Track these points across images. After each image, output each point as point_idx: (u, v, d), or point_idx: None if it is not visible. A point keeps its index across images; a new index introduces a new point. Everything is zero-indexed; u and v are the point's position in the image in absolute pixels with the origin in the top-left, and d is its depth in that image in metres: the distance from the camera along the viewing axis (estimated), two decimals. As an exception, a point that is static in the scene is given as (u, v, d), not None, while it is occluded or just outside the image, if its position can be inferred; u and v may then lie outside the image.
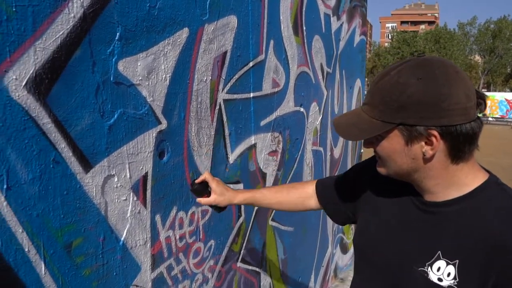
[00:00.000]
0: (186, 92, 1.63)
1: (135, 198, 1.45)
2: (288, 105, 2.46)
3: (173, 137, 1.59)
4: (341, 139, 3.54)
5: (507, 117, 26.10)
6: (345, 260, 4.01)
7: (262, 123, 2.20)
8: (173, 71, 1.54)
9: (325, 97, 3.07)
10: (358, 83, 3.97)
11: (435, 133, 0.87)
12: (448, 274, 0.90)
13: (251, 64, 2.03)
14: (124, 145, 1.38)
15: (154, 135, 1.49)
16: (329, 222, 3.42)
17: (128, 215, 1.43)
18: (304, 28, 2.59)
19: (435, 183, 0.94)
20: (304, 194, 1.40)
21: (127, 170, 1.40)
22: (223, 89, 1.85)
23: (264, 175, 2.29)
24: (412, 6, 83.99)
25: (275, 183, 2.41)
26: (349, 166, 3.88)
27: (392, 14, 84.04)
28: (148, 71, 1.43)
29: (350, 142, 3.78)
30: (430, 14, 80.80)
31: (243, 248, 2.16)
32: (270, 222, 2.44)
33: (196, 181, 1.41)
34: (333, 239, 3.56)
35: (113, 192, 1.36)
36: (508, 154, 11.63)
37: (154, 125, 1.49)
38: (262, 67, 2.14)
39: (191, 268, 1.78)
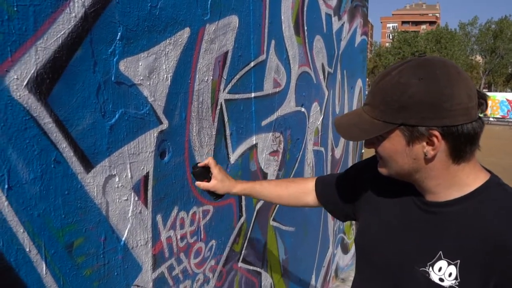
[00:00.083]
0: (188, 92, 1.63)
1: (136, 198, 1.44)
2: (289, 105, 2.46)
3: (174, 137, 1.59)
4: (342, 139, 3.53)
5: (508, 117, 26.06)
6: (346, 260, 4.00)
7: (263, 123, 2.20)
8: (174, 71, 1.54)
9: (326, 97, 3.07)
10: (359, 83, 3.97)
11: (437, 133, 0.87)
12: (450, 274, 0.90)
13: (252, 64, 2.03)
14: (125, 145, 1.38)
15: (155, 135, 1.49)
16: (330, 222, 3.41)
17: (129, 215, 1.43)
18: (305, 28, 2.59)
19: (437, 183, 0.94)
20: (303, 189, 1.40)
21: (128, 170, 1.40)
22: (224, 89, 1.85)
23: (265, 175, 2.29)
24: (413, 6, 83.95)
25: (276, 183, 2.41)
26: (350, 166, 3.87)
27: (393, 14, 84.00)
28: (149, 71, 1.43)
29: (351, 142, 3.77)
30: (431, 14, 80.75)
31: (244, 248, 2.16)
32: (271, 222, 2.44)
33: (199, 164, 1.40)
34: (334, 239, 3.56)
35: (114, 192, 1.36)
36: (509, 155, 11.61)
37: (155, 125, 1.48)
38: (263, 67, 2.14)
39: (192, 268, 1.78)
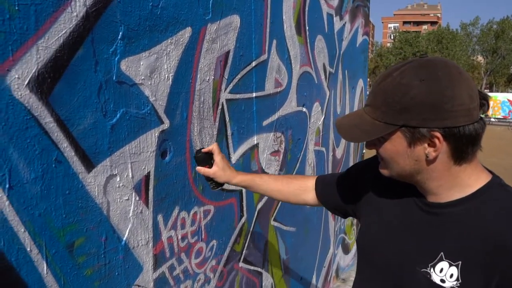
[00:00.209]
0: (189, 92, 1.62)
1: (137, 198, 1.44)
2: (290, 105, 2.46)
3: (176, 137, 1.58)
4: (343, 140, 3.53)
5: (509, 117, 26.02)
6: (346, 261, 4.00)
7: (265, 123, 2.20)
8: (176, 71, 1.54)
9: (327, 97, 3.07)
10: (360, 83, 3.97)
11: (438, 134, 0.87)
12: (451, 275, 0.89)
13: (253, 63, 2.03)
14: (127, 144, 1.37)
15: (156, 134, 1.49)
16: (331, 222, 3.41)
17: (130, 215, 1.42)
18: (307, 28, 2.58)
19: (438, 185, 0.94)
20: (303, 187, 1.39)
21: (129, 170, 1.40)
22: (225, 89, 1.85)
23: (266, 175, 2.29)
24: (415, 6, 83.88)
25: (277, 183, 2.40)
26: (351, 166, 3.86)
27: (394, 14, 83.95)
28: (150, 70, 1.43)
29: (352, 143, 3.77)
30: (432, 15, 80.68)
31: (245, 248, 2.16)
32: (272, 222, 2.43)
33: (203, 150, 1.40)
34: (335, 239, 3.56)
35: (115, 192, 1.36)
36: (510, 155, 11.60)
37: (156, 124, 1.48)
38: (264, 67, 2.14)
39: (193, 268, 1.77)
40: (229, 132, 1.91)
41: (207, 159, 1.40)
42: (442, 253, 0.91)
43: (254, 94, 2.07)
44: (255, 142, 2.14)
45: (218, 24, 1.75)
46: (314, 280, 3.15)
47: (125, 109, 1.35)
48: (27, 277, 1.11)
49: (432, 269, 0.92)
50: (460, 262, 0.89)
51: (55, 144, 1.15)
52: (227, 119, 1.88)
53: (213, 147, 1.40)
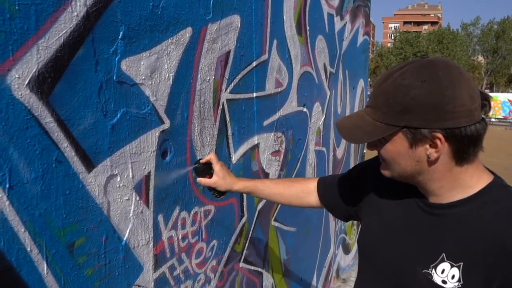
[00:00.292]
0: (189, 92, 1.62)
1: (137, 198, 1.44)
2: (291, 105, 2.46)
3: (176, 137, 1.58)
4: (344, 140, 3.52)
5: (510, 118, 26.00)
6: (347, 261, 4.00)
7: (265, 123, 2.20)
8: (176, 71, 1.54)
9: (328, 97, 3.07)
10: (361, 83, 3.97)
11: (440, 135, 0.86)
12: (453, 277, 0.89)
13: (254, 63, 2.03)
14: (127, 144, 1.37)
15: (157, 134, 1.49)
16: (332, 222, 3.41)
17: (131, 215, 1.42)
18: (308, 28, 2.58)
19: (440, 185, 0.93)
20: (305, 190, 1.39)
21: (130, 170, 1.40)
22: (226, 89, 1.84)
23: (267, 175, 2.29)
24: (415, 7, 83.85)
25: (278, 183, 2.40)
26: (351, 166, 3.86)
27: (395, 15, 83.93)
28: (151, 70, 1.43)
29: (352, 143, 3.77)
30: (433, 15, 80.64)
31: (246, 248, 2.16)
32: (273, 223, 2.43)
33: (201, 160, 1.39)
34: (335, 239, 3.55)
35: (115, 192, 1.35)
36: (510, 155, 11.59)
37: (157, 124, 1.48)
38: (265, 67, 2.13)
39: (194, 268, 1.77)
40: (229, 132, 1.91)
41: (206, 169, 1.40)
42: (443, 254, 0.91)
43: (254, 94, 2.07)
44: (256, 142, 2.14)
45: (219, 24, 1.74)
46: (314, 280, 3.15)
47: (126, 109, 1.35)
48: (27, 277, 1.11)
49: (433, 270, 0.92)
50: (462, 263, 0.88)
51: (55, 144, 1.15)
52: (228, 119, 1.88)
53: (211, 156, 1.40)
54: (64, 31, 1.13)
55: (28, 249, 1.11)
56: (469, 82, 0.87)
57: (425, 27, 75.34)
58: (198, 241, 1.78)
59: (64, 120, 1.16)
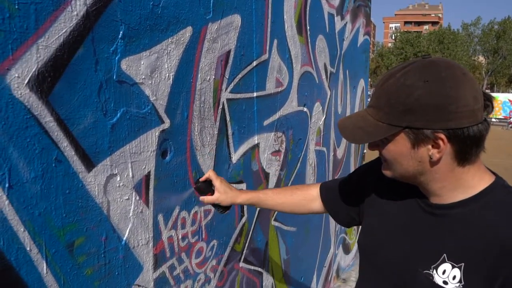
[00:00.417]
0: (189, 91, 1.62)
1: (137, 198, 1.44)
2: (291, 105, 2.45)
3: (176, 137, 1.58)
4: (344, 140, 3.52)
5: (510, 118, 26.00)
6: (347, 261, 4.00)
7: (265, 122, 2.19)
8: (177, 70, 1.54)
9: (328, 97, 3.06)
10: (361, 83, 3.96)
11: (442, 136, 0.86)
12: (454, 277, 0.89)
13: (254, 63, 2.02)
14: (127, 144, 1.37)
15: (157, 134, 1.48)
16: (332, 222, 3.41)
17: (131, 214, 1.42)
18: (308, 27, 2.58)
19: (441, 186, 0.93)
20: (308, 197, 1.39)
21: (130, 169, 1.39)
22: (226, 89, 1.84)
23: (267, 175, 2.28)
24: (416, 7, 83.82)
25: (278, 183, 2.40)
26: (352, 166, 3.86)
27: (395, 15, 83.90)
28: (151, 69, 1.42)
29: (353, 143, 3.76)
30: (433, 15, 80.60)
31: (246, 248, 2.15)
32: (273, 222, 2.43)
33: (200, 179, 1.40)
34: (335, 239, 3.55)
35: (115, 191, 1.35)
36: (510, 155, 11.58)
37: (157, 124, 1.48)
38: (265, 66, 2.13)
39: (194, 268, 1.77)
40: (229, 131, 1.91)
41: (208, 187, 1.41)
42: (445, 254, 0.91)
43: (255, 94, 2.06)
44: (256, 142, 2.13)
45: (219, 24, 1.74)
46: (314, 280, 3.14)
47: (126, 109, 1.35)
48: (26, 277, 1.11)
49: (434, 271, 0.92)
50: (463, 264, 0.88)
51: (55, 143, 1.14)
52: (228, 118, 1.88)
53: (209, 174, 1.41)
54: (64, 30, 1.13)
55: (28, 249, 1.10)
56: (472, 82, 0.87)
57: (426, 27, 75.30)
58: (198, 240, 1.78)
59: (64, 119, 1.16)
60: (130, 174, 1.40)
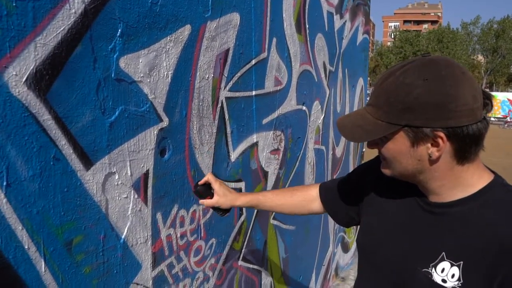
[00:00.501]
0: (188, 90, 1.62)
1: (136, 196, 1.44)
2: (290, 104, 2.45)
3: (175, 135, 1.58)
4: (343, 138, 3.52)
5: (509, 117, 26.03)
6: (346, 259, 4.00)
7: (264, 121, 2.19)
8: (175, 68, 1.53)
9: (327, 95, 3.06)
10: (360, 82, 3.96)
11: (442, 134, 0.86)
12: (453, 276, 0.89)
13: (253, 62, 2.02)
14: (125, 142, 1.37)
15: (155, 132, 1.48)
16: (331, 221, 3.41)
17: (129, 213, 1.42)
18: (307, 26, 2.57)
19: (440, 184, 0.93)
20: (307, 197, 1.39)
21: (128, 168, 1.39)
22: (225, 87, 1.84)
23: (265, 174, 2.28)
24: (415, 6, 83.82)
25: (277, 181, 2.40)
26: (351, 165, 3.87)
27: (395, 13, 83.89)
28: (149, 68, 1.42)
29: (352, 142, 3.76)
30: (433, 14, 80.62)
31: (244, 246, 2.15)
32: (272, 221, 2.43)
33: (199, 182, 1.40)
34: (334, 238, 3.55)
35: (114, 190, 1.35)
36: (509, 154, 11.60)
37: (155, 122, 1.48)
38: (264, 65, 2.13)
39: (192, 266, 1.77)
40: (228, 130, 1.90)
41: (207, 190, 1.40)
42: (443, 253, 0.91)
43: (253, 92, 2.06)
44: (255, 141, 2.13)
45: (218, 22, 1.74)
46: (313, 279, 3.15)
47: (124, 107, 1.35)
48: (25, 275, 1.11)
49: (433, 269, 0.91)
50: (462, 262, 0.88)
51: (53, 141, 1.14)
52: (227, 117, 1.88)
53: (208, 177, 1.40)
54: (62, 28, 1.12)
55: (26, 247, 1.10)
56: (471, 81, 0.87)
57: (425, 26, 75.33)
58: (197, 239, 1.78)
59: (62, 117, 1.16)
60: (129, 172, 1.40)
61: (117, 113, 1.32)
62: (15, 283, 1.09)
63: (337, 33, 3.14)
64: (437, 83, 0.85)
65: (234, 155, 1.97)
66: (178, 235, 1.66)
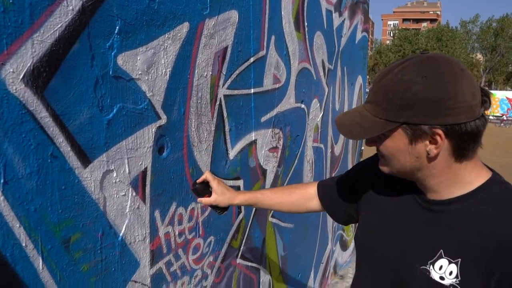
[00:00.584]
0: (186, 87, 1.61)
1: (134, 194, 1.43)
2: (289, 102, 2.45)
3: (173, 133, 1.57)
4: (342, 136, 3.52)
5: (507, 115, 26.08)
6: (344, 257, 4.01)
7: (263, 119, 2.19)
8: (173, 66, 1.53)
9: (326, 93, 3.06)
10: (359, 80, 3.96)
11: (440, 132, 0.86)
12: (450, 273, 0.89)
13: (252, 59, 2.02)
14: (123, 140, 1.36)
15: (153, 130, 1.48)
16: (329, 219, 3.41)
17: (127, 210, 1.42)
18: (306, 24, 2.57)
19: (439, 182, 0.93)
20: (306, 195, 1.39)
21: (126, 165, 1.39)
22: (223, 85, 1.84)
23: (264, 172, 2.28)
24: (414, 4, 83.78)
25: (275, 179, 2.40)
26: (349, 163, 3.87)
27: (394, 12, 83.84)
28: (147, 65, 1.42)
29: (350, 139, 3.77)
30: (432, 12, 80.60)
31: (243, 244, 2.15)
32: (270, 219, 2.43)
33: (198, 181, 1.40)
34: (333, 236, 3.56)
35: (112, 187, 1.35)
36: (508, 153, 11.62)
37: (153, 120, 1.47)
38: (263, 62, 2.12)
39: (191, 264, 1.77)
40: (227, 128, 1.90)
41: (205, 189, 1.40)
42: (441, 250, 0.91)
43: (252, 90, 2.06)
44: (253, 138, 2.13)
45: (216, 19, 1.73)
46: (312, 277, 3.15)
47: (122, 104, 1.34)
48: (22, 273, 1.10)
49: (431, 266, 0.92)
50: (460, 259, 0.88)
51: (50, 139, 1.14)
52: (225, 115, 1.87)
53: (206, 175, 1.40)
54: (59, 25, 1.12)
55: (23, 245, 1.10)
56: (469, 78, 0.87)
57: (424, 24, 75.29)
58: (195, 237, 1.78)
59: (60, 115, 1.15)
60: (127, 170, 1.39)
61: (115, 110, 1.32)
62: (13, 281, 1.09)
63: (336, 31, 3.13)
64: (435, 80, 0.84)
65: (232, 153, 1.97)
66: (177, 233, 1.66)
